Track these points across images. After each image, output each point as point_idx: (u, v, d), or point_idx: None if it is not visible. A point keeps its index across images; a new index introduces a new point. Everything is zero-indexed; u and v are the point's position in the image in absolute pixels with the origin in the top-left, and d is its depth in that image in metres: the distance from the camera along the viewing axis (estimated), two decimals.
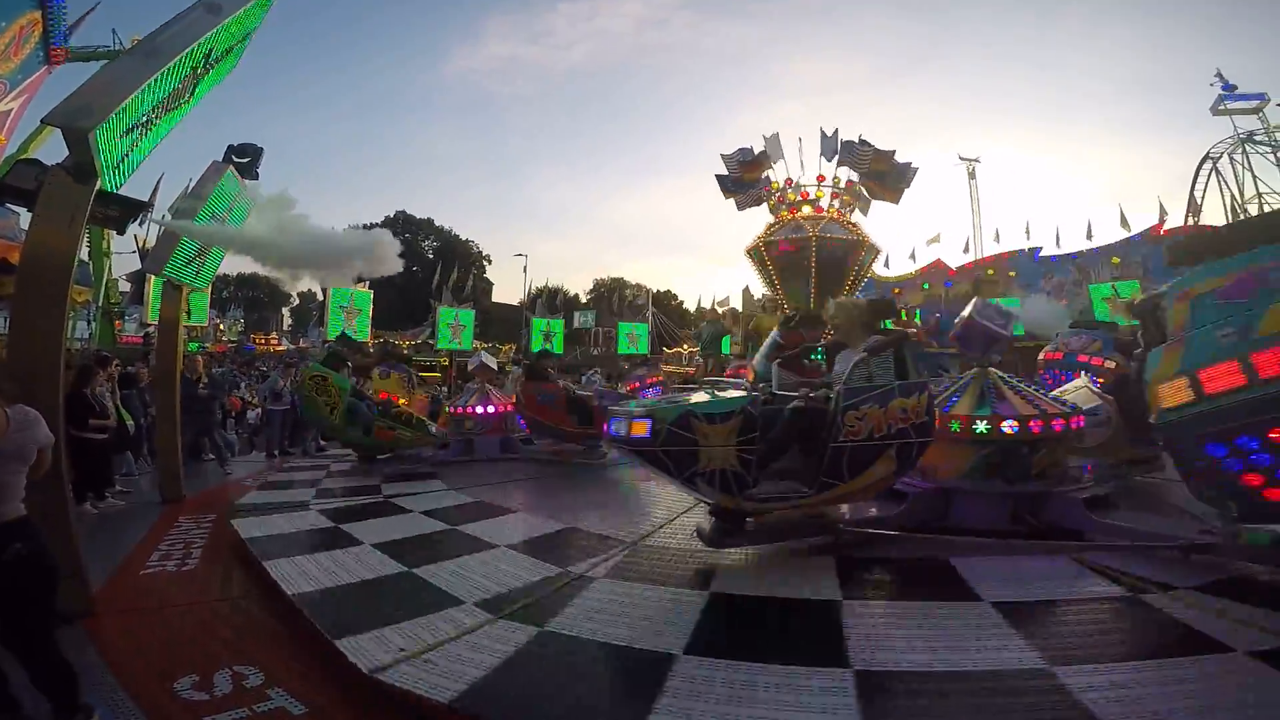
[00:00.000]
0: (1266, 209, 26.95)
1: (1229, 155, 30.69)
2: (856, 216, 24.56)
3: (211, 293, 19.01)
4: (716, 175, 24.89)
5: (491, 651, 3.31)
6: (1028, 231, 27.41)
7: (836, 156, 23.43)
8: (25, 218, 6.58)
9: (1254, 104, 30.28)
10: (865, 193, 23.83)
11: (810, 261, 22.95)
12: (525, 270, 48.59)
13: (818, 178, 24.00)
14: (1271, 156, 29.78)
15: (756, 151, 24.60)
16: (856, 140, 23.19)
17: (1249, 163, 30.19)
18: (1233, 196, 29.56)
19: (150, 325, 19.66)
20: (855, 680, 2.91)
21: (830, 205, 23.71)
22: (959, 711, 2.69)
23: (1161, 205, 23.55)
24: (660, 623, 3.64)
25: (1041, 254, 25.65)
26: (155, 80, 4.28)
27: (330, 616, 3.78)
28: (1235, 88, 30.49)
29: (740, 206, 25.00)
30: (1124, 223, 24.33)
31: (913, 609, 3.79)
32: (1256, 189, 29.31)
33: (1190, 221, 24.77)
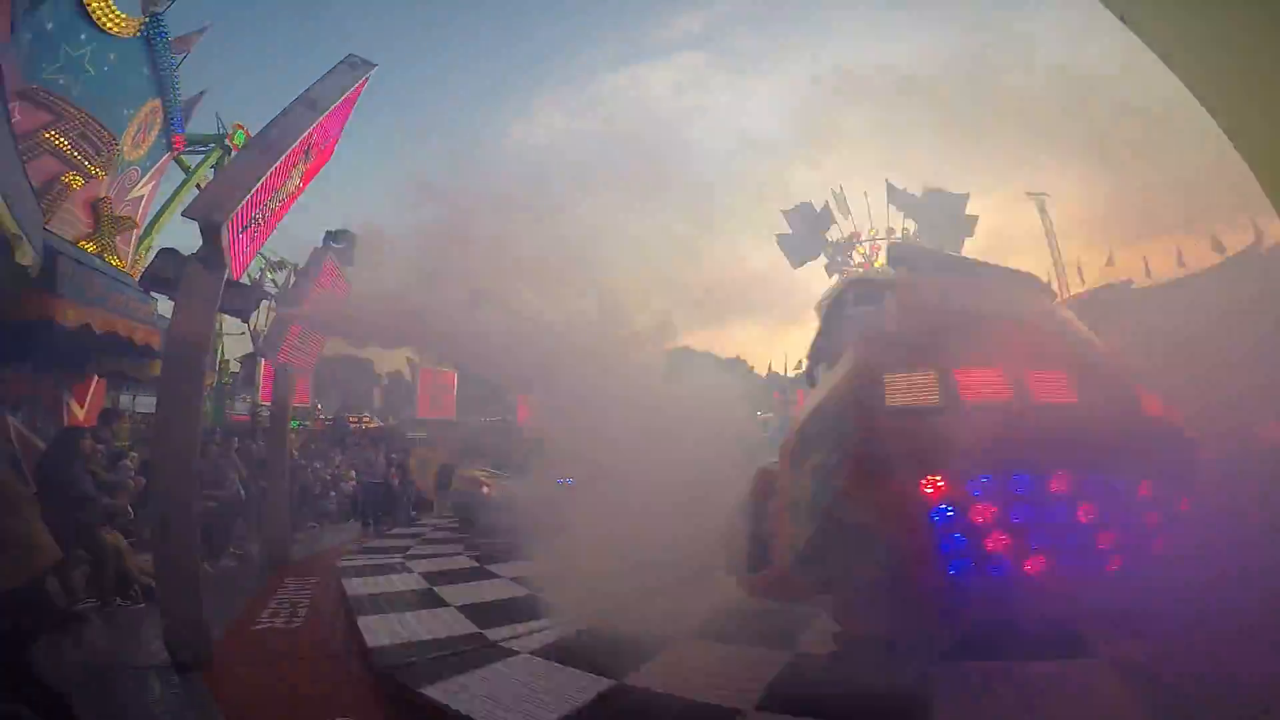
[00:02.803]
0: None
1: None
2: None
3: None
4: (779, 241, 25.09)
5: None
6: (1110, 263, 25.58)
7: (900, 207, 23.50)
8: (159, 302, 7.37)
9: None
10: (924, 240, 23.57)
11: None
12: None
13: (854, 234, 23.91)
14: None
15: (818, 209, 24.79)
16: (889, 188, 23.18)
17: None
18: None
19: (262, 404, 21.21)
20: None
21: (877, 258, 23.45)
22: None
23: (1256, 225, 21.41)
24: None
25: (1133, 286, 23.93)
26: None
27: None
28: None
29: (829, 272, 25.02)
30: (1218, 247, 22.39)
31: None
32: None
33: None
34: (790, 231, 24.94)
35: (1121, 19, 2.04)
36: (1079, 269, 27.27)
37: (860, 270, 24.18)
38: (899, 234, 23.80)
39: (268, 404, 14.91)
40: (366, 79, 6.41)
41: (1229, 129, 1.99)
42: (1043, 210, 30.45)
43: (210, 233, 4.35)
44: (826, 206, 24.63)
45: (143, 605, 5.63)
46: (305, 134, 5.24)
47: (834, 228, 24.69)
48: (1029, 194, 30.88)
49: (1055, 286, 28.25)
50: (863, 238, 24.03)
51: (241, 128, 15.83)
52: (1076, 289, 26.50)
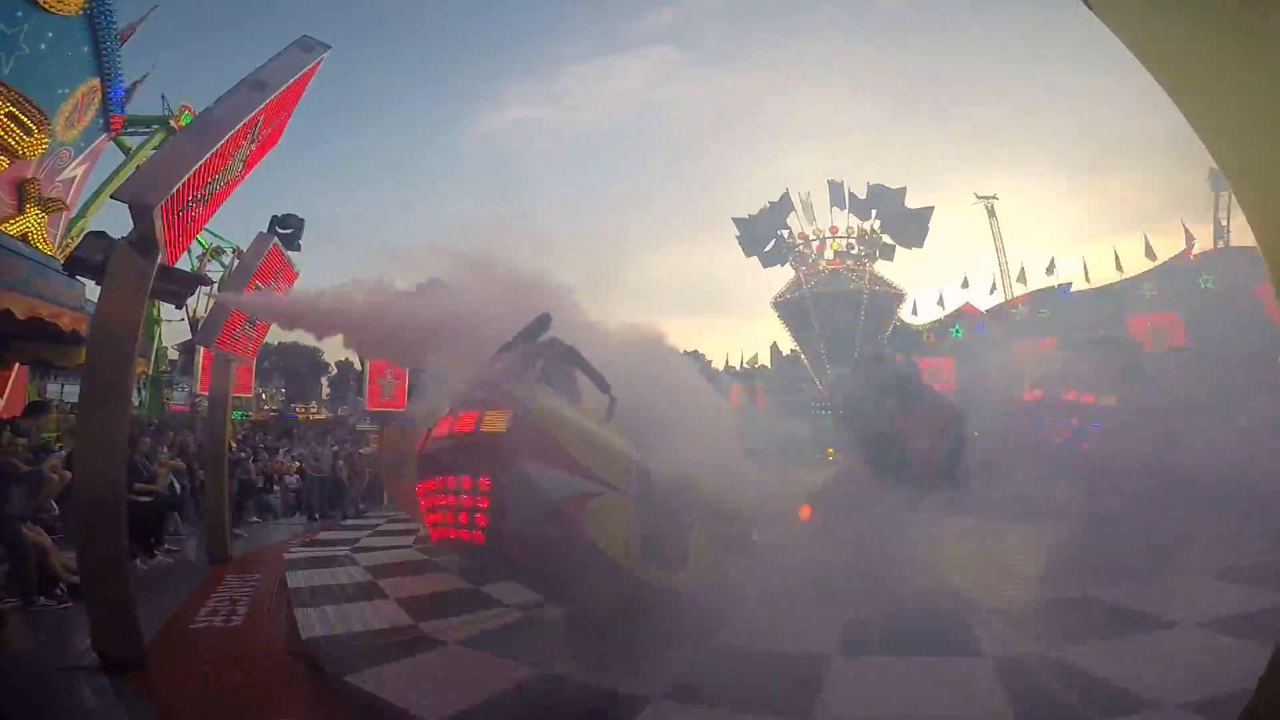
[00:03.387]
0: None
1: None
2: (881, 264, 24.79)
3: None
4: (737, 237, 25.36)
5: None
6: (1052, 267, 26.67)
7: (847, 207, 24.02)
8: (88, 287, 7.01)
9: None
10: (888, 240, 24.23)
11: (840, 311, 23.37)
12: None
13: (831, 229, 24.41)
14: None
15: (770, 208, 25.23)
16: (870, 186, 23.75)
17: None
18: None
19: (200, 394, 20.39)
20: None
21: (844, 257, 24.04)
22: None
23: (1187, 230, 22.62)
24: None
25: (1071, 289, 24.96)
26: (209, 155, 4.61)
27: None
28: None
29: (765, 264, 25.46)
30: (1149, 252, 23.54)
31: None
32: None
33: (1219, 245, 23.69)
34: (748, 221, 25.27)
35: (1086, 3, 2.04)
36: (1023, 270, 28.43)
37: (828, 266, 24.60)
38: (870, 232, 24.36)
39: (207, 394, 14.35)
40: (320, 61, 6.18)
41: (1198, 124, 1.98)
42: (991, 213, 31.60)
43: (142, 215, 4.13)
44: (784, 199, 25.02)
45: (69, 604, 5.35)
46: (250, 116, 5.02)
47: (794, 220, 25.11)
48: (978, 196, 32.03)
49: (1000, 288, 29.33)
50: (838, 234, 24.54)
51: (189, 109, 15.14)
52: (1020, 291, 27.67)
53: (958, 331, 27.90)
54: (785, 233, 25.48)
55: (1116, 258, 24.36)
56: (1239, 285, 16.55)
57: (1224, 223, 24.41)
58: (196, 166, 4.41)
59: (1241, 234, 26.75)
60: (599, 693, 3.59)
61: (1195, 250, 21.95)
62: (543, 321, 4.86)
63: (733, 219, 25.17)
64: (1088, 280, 24.77)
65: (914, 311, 28.71)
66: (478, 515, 3.79)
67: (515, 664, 4.03)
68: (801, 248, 25.03)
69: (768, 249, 25.38)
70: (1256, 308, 14.94)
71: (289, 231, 8.24)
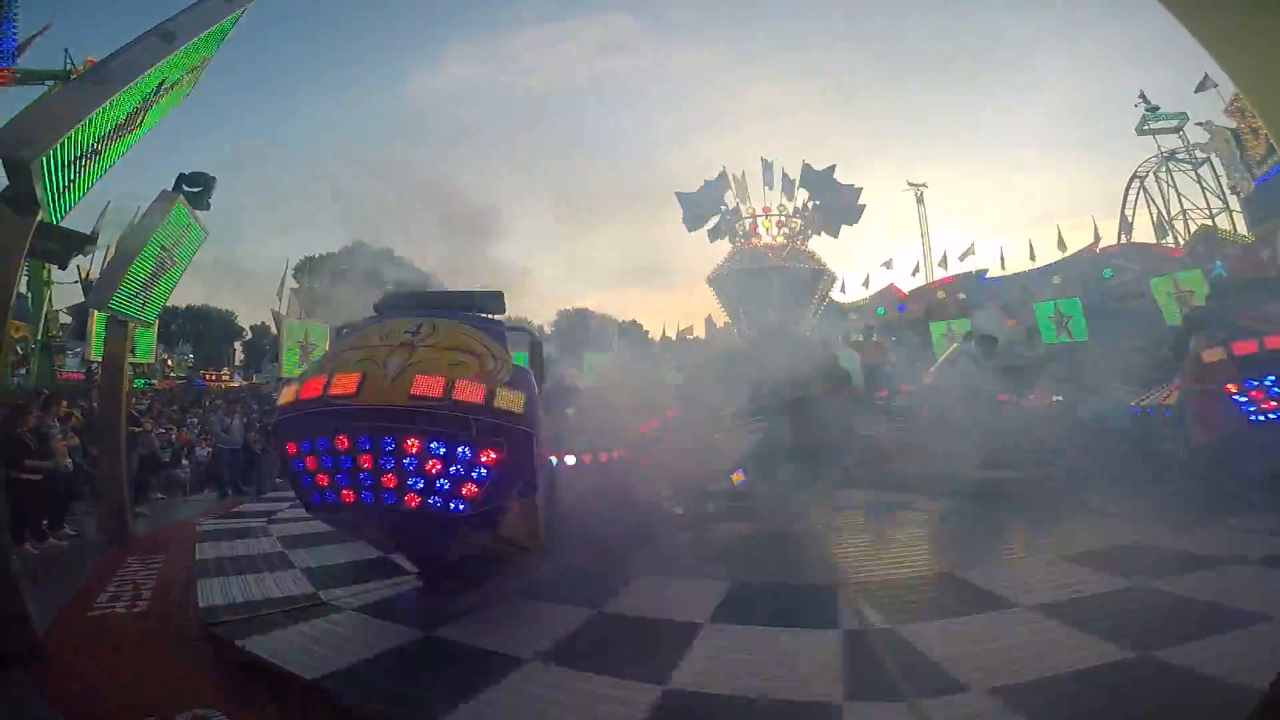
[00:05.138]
0: (1191, 226, 28.44)
1: (1154, 173, 32.29)
2: (814, 243, 25.43)
3: (159, 326, 18.28)
4: (678, 198, 25.38)
5: None
6: (971, 253, 28.21)
7: (782, 185, 24.53)
8: None
9: (1175, 123, 31.87)
10: (816, 220, 24.89)
11: (773, 288, 23.84)
12: None
13: (764, 209, 24.90)
14: (1193, 173, 31.48)
15: (710, 184, 25.39)
16: (802, 165, 24.22)
17: (1173, 180, 31.88)
18: (1159, 213, 31.18)
19: (94, 361, 18.90)
20: None
21: (779, 234, 24.55)
22: None
23: (1095, 225, 24.78)
24: None
25: (987, 275, 26.48)
26: (105, 108, 4.20)
27: None
28: (1158, 108, 32.18)
29: (711, 238, 25.73)
30: (1061, 244, 25.42)
31: None
32: (1180, 206, 30.97)
33: (1122, 240, 25.97)
34: (691, 196, 25.39)
35: None
36: (944, 255, 29.81)
37: (757, 244, 24.97)
38: (804, 210, 24.91)
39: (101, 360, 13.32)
40: (243, 11, 5.73)
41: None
42: (920, 200, 32.93)
43: (16, 170, 3.74)
44: (721, 176, 25.27)
45: None
46: (155, 68, 4.61)
47: (729, 195, 25.39)
48: (910, 184, 33.28)
49: (923, 271, 30.76)
50: (772, 212, 25.05)
51: (94, 63, 13.72)
52: (940, 274, 29.01)
53: (881, 311, 29.13)
54: (725, 208, 25.80)
55: (1031, 248, 26.14)
56: (1136, 277, 17.96)
57: (1129, 219, 26.36)
58: (85, 119, 4.01)
59: (1143, 231, 29.07)
60: (476, 653, 3.71)
61: (1100, 245, 23.84)
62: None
63: (676, 194, 25.26)
64: (1003, 268, 26.36)
65: (843, 290, 29.87)
66: None
67: (403, 628, 4.17)
68: (738, 225, 25.42)
69: (710, 225, 25.67)
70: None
71: (198, 190, 7.66)
